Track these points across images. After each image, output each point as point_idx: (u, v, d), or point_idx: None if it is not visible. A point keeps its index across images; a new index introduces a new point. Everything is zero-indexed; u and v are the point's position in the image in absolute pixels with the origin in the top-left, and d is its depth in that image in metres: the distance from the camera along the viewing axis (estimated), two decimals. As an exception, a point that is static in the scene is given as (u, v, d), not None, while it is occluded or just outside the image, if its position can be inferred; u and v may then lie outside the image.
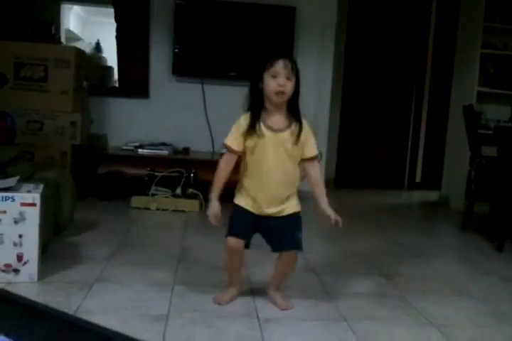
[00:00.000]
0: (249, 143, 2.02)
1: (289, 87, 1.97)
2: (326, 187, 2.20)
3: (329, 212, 2.09)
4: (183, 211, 3.96)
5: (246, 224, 2.09)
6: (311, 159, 2.10)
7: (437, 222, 4.65)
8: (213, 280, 2.43)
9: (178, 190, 4.06)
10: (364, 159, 6.20)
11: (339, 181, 6.03)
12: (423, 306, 2.29)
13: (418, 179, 6.26)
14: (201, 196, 4.11)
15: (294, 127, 2.02)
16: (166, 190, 4.06)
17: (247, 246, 2.11)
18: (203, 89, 4.89)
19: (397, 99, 6.18)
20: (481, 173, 4.04)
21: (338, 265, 2.90)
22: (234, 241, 2.07)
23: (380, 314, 2.19)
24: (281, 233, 2.09)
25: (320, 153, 4.77)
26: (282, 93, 1.97)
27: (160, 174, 4.08)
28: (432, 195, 5.57)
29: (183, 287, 2.33)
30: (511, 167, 3.61)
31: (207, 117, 4.89)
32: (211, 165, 4.31)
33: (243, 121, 2.03)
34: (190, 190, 4.11)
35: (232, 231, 2.08)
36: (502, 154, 3.82)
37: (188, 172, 4.10)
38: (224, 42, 4.84)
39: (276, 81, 1.96)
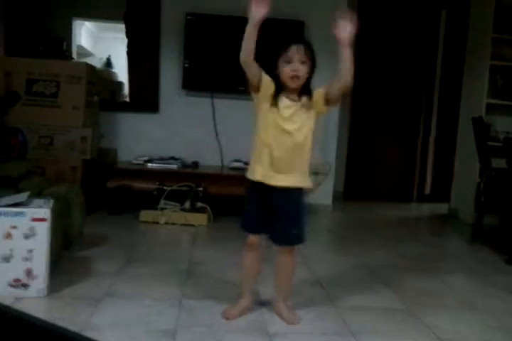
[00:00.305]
0: (268, 111, 2.04)
1: (303, 71, 2.00)
2: (336, 200, 2.22)
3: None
4: (191, 225, 3.98)
5: (259, 207, 2.11)
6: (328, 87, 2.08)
7: (446, 235, 4.63)
8: (222, 295, 2.44)
9: (187, 204, 4.08)
10: (373, 172, 6.19)
11: (348, 194, 6.02)
12: (431, 320, 2.28)
13: (427, 191, 6.24)
14: (210, 210, 4.12)
15: (305, 100, 2.05)
16: (175, 204, 4.09)
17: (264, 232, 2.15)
18: (212, 103, 4.93)
19: (406, 111, 6.18)
20: (490, 185, 4.02)
21: (345, 278, 2.90)
22: (251, 236, 2.16)
23: (387, 328, 2.18)
24: (281, 222, 2.10)
25: (329, 166, 4.83)
26: (297, 77, 2.00)
27: (169, 188, 4.10)
28: (442, 208, 5.55)
29: (191, 301, 2.34)
30: (520, 179, 3.60)
31: (216, 131, 4.92)
32: (220, 179, 4.39)
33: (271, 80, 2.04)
34: (199, 204, 4.12)
35: (247, 227, 2.16)
36: None
37: (197, 187, 4.12)
38: (233, 56, 4.86)
39: (290, 66, 2.00)
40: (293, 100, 2.05)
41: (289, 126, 2.03)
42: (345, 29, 1.97)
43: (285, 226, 2.11)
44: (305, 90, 2.07)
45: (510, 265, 3.37)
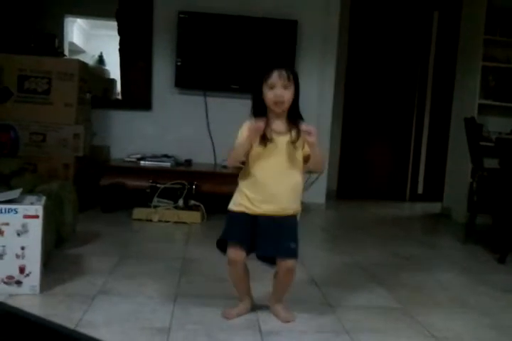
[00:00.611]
0: (257, 148, 2.04)
1: (286, 96, 2.02)
2: (329, 199, 2.22)
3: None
4: (185, 223, 3.96)
5: (243, 226, 2.07)
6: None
7: (439, 234, 4.64)
8: (215, 293, 2.44)
9: (180, 202, 4.07)
10: (366, 171, 6.20)
11: (341, 193, 6.03)
12: (425, 319, 2.29)
13: (420, 191, 6.26)
14: (203, 208, 4.12)
15: (294, 133, 2.05)
16: (168, 201, 4.07)
17: (248, 252, 2.09)
18: (205, 101, 4.92)
19: (398, 112, 6.20)
20: (482, 185, 4.04)
21: (339, 277, 2.90)
22: (233, 252, 2.08)
23: (382, 327, 2.18)
24: (273, 236, 2.06)
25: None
26: (281, 103, 2.02)
27: (162, 186, 4.09)
28: (434, 207, 5.57)
29: (185, 299, 2.33)
30: (513, 179, 3.61)
31: (209, 129, 4.91)
32: (213, 177, 4.38)
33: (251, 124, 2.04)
34: (192, 202, 4.11)
35: (230, 237, 2.09)
36: (504, 166, 3.83)
37: (190, 184, 4.11)
38: (226, 55, 4.87)
39: (273, 92, 2.01)
40: (279, 133, 2.05)
41: (276, 168, 2.05)
42: (312, 135, 1.99)
43: (284, 240, 2.07)
44: (293, 115, 2.08)
45: (502, 264, 3.39)
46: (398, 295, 2.61)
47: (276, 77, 2.01)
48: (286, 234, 2.09)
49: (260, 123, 1.98)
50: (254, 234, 2.07)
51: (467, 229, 4.01)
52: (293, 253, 2.09)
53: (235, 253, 2.08)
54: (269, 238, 2.06)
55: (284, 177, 2.06)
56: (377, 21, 6.07)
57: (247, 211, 2.07)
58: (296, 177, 2.09)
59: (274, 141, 2.04)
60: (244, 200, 2.07)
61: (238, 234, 2.09)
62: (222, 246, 2.14)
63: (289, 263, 2.09)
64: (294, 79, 2.04)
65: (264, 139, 2.03)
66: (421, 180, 6.25)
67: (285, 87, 2.01)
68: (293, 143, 2.04)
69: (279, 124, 2.07)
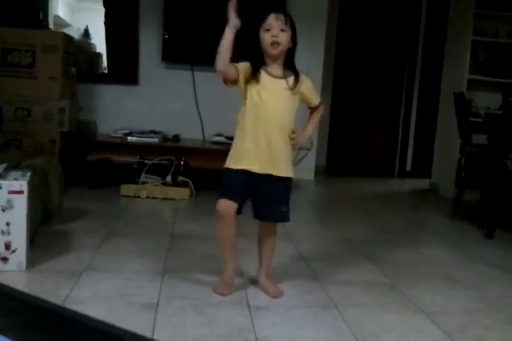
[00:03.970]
0: (251, 89, 2.04)
1: (283, 37, 2.01)
2: (318, 175, 2.20)
3: (300, 137, 2.14)
4: (173, 199, 3.94)
5: (238, 184, 2.06)
6: (317, 107, 2.22)
7: (427, 210, 4.67)
8: (204, 268, 2.43)
9: (168, 178, 4.03)
10: (355, 147, 6.19)
11: (330, 169, 6.02)
12: (412, 293, 2.30)
13: (409, 167, 6.27)
14: (191, 184, 4.09)
15: (290, 79, 2.06)
16: (156, 177, 4.04)
17: (239, 211, 2.08)
18: (193, 76, 4.85)
19: (388, 88, 6.16)
20: (471, 161, 4.04)
21: (327, 252, 2.91)
22: (224, 204, 2.03)
23: (369, 301, 2.19)
24: (268, 199, 2.09)
25: (311, 141, 4.81)
26: (277, 44, 2.01)
27: (150, 162, 4.05)
28: (423, 183, 5.59)
29: (173, 275, 2.32)
30: (501, 155, 3.62)
31: (197, 104, 4.86)
32: (201, 152, 4.34)
33: (247, 63, 2.04)
34: (181, 178, 4.08)
35: (224, 193, 2.06)
36: (492, 142, 3.83)
37: (178, 160, 4.07)
38: (214, 28, 4.77)
39: (270, 33, 2.00)
40: (275, 76, 2.05)
41: (272, 110, 2.04)
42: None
43: (275, 204, 2.10)
44: (289, 63, 2.08)
45: (490, 239, 3.41)
46: (385, 269, 2.62)
47: (273, 19, 2.01)
48: (279, 197, 2.10)
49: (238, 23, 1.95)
50: (249, 191, 2.08)
51: (455, 205, 4.03)
52: (284, 217, 2.13)
53: (227, 204, 2.03)
54: (261, 201, 2.09)
55: (279, 119, 2.06)
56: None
57: (244, 167, 2.05)
58: (289, 123, 2.10)
59: (267, 82, 2.03)
60: (241, 157, 2.06)
61: (233, 190, 2.07)
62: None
63: (272, 224, 2.16)
64: (291, 26, 2.04)
65: (255, 74, 2.02)
66: (410, 156, 6.25)
67: (282, 30, 2.01)
68: (291, 89, 2.05)
69: (275, 68, 2.06)
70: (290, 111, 2.09)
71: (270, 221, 2.16)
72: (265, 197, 2.10)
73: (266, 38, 2.01)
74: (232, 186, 2.07)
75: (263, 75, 2.04)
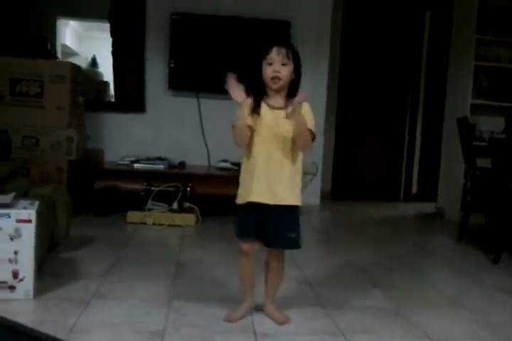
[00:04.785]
0: (251, 122, 2.05)
1: (284, 72, 2.03)
2: (323, 200, 2.21)
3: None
4: (179, 225, 3.95)
5: (249, 218, 2.09)
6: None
7: (433, 234, 4.66)
8: (211, 295, 2.44)
9: (175, 205, 4.05)
10: (360, 172, 6.21)
11: (335, 194, 6.03)
12: (419, 319, 2.29)
13: (414, 191, 6.27)
14: (197, 210, 4.11)
15: (289, 108, 2.02)
16: (163, 204, 4.06)
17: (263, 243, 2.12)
18: (198, 103, 4.92)
19: (392, 112, 6.20)
20: (476, 185, 4.05)
21: (333, 278, 2.90)
22: (246, 245, 2.12)
23: (376, 328, 2.19)
24: (278, 228, 2.09)
25: (316, 166, 4.83)
26: (278, 78, 2.03)
27: (156, 189, 4.08)
28: (428, 207, 5.58)
29: (180, 302, 2.33)
30: (506, 178, 3.62)
31: (203, 131, 4.91)
32: (207, 179, 4.38)
33: (247, 102, 2.06)
34: (187, 204, 4.10)
35: (240, 232, 2.13)
36: (496, 165, 3.84)
37: (184, 187, 4.10)
38: (219, 56, 4.87)
39: (272, 67, 2.03)
40: (275, 108, 2.06)
41: (273, 144, 2.06)
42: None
43: (282, 230, 2.10)
44: (292, 94, 2.08)
45: (496, 263, 3.40)
46: (391, 295, 2.61)
47: (274, 53, 2.03)
48: (286, 223, 2.10)
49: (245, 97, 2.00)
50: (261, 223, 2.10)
51: (460, 229, 4.02)
52: (293, 244, 2.12)
53: (249, 245, 2.12)
54: (269, 229, 2.09)
55: (281, 151, 2.06)
56: (370, 22, 6.08)
57: (253, 200, 2.06)
58: (294, 153, 2.09)
59: (266, 114, 2.04)
60: (248, 189, 2.08)
61: (247, 228, 2.11)
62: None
63: (279, 251, 2.17)
64: (294, 59, 2.06)
65: (255, 108, 2.03)
66: (415, 180, 6.26)
67: (283, 64, 2.03)
68: (288, 117, 2.02)
69: (276, 99, 2.08)
70: (289, 139, 2.07)
71: (278, 247, 2.15)
72: (272, 225, 2.10)
73: (267, 72, 2.03)
74: (245, 225, 2.12)
75: (263, 108, 2.06)
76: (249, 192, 2.06)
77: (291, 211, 2.12)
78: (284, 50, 2.04)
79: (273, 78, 2.03)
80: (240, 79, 2.05)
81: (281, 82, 2.04)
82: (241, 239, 2.13)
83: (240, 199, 2.12)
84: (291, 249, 2.16)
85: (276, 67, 2.02)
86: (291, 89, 2.09)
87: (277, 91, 2.07)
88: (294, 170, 2.11)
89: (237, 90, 2.03)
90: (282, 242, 2.12)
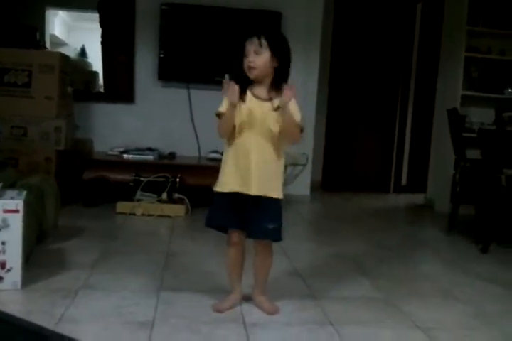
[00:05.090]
0: (239, 115, 2.05)
1: (258, 61, 2.03)
2: (314, 191, 2.20)
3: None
4: (168, 216, 3.94)
5: (225, 210, 2.10)
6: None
7: (422, 225, 4.67)
8: (199, 286, 2.43)
9: (164, 195, 4.04)
10: (350, 163, 6.22)
11: (326, 185, 6.04)
12: (409, 309, 2.30)
13: (404, 182, 6.28)
14: (187, 201, 4.09)
15: (277, 100, 2.02)
16: (152, 195, 4.04)
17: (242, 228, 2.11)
18: (188, 94, 4.89)
19: (382, 103, 6.20)
20: (465, 176, 4.06)
21: (323, 268, 2.91)
22: (234, 235, 2.13)
23: (366, 317, 2.19)
24: (256, 218, 2.07)
25: (306, 157, 4.83)
26: (252, 68, 2.03)
27: (145, 179, 4.06)
28: (418, 198, 5.60)
29: (168, 293, 2.32)
30: (495, 169, 3.64)
31: (193, 122, 4.89)
32: (197, 170, 4.36)
33: (233, 88, 2.03)
34: (176, 195, 4.09)
35: (209, 220, 2.15)
36: (486, 157, 3.85)
37: (173, 178, 4.09)
38: (209, 47, 4.84)
39: (247, 58, 2.04)
40: (260, 99, 2.06)
41: (258, 133, 2.05)
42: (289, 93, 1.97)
43: (261, 222, 2.08)
44: (277, 83, 2.06)
45: (485, 254, 3.41)
46: (381, 285, 2.62)
47: (247, 44, 2.05)
48: (267, 215, 2.08)
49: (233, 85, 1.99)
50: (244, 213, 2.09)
51: (450, 220, 4.04)
52: (272, 235, 2.11)
53: (236, 236, 2.13)
54: (250, 220, 2.08)
55: (265, 142, 2.06)
56: (361, 13, 6.06)
57: (233, 189, 2.05)
58: (277, 146, 2.08)
59: (253, 104, 2.04)
60: (229, 177, 2.07)
61: (221, 217, 2.12)
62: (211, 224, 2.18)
63: (266, 244, 2.16)
64: (273, 47, 2.03)
65: (241, 95, 2.02)
66: (405, 171, 6.27)
67: (256, 53, 2.03)
68: (275, 110, 2.02)
69: (261, 90, 2.07)
70: (277, 136, 2.07)
71: (257, 238, 2.14)
72: (253, 215, 2.08)
73: (244, 63, 2.05)
74: (224, 214, 2.11)
75: (249, 96, 2.05)
76: (229, 181, 2.06)
77: (272, 203, 2.09)
78: (255, 40, 2.03)
79: (248, 68, 2.04)
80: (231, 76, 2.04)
81: (256, 72, 2.03)
82: (209, 226, 2.16)
83: (219, 188, 2.10)
84: (271, 240, 2.14)
85: (249, 57, 2.03)
86: (277, 78, 2.07)
87: (258, 81, 2.06)
88: (277, 162, 2.10)
89: (234, 94, 1.99)
90: (261, 233, 2.10)
